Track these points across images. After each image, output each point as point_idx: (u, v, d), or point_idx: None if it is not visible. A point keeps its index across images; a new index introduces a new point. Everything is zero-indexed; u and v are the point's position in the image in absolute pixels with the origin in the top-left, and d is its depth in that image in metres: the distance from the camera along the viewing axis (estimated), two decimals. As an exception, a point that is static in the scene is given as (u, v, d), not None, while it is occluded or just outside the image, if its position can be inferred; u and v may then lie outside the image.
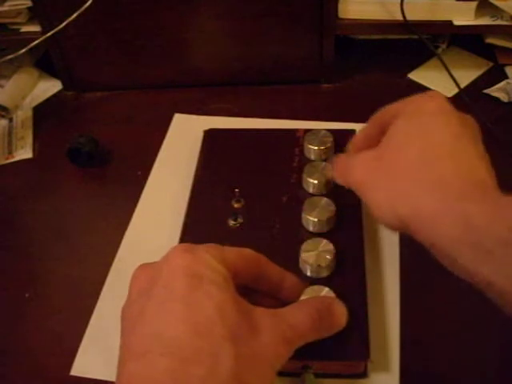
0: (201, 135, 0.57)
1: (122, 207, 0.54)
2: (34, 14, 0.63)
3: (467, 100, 0.61)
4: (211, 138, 0.56)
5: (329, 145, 0.52)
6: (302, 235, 0.46)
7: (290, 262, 0.43)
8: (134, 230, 0.52)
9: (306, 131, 0.54)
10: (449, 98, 0.62)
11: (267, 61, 0.66)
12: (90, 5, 0.57)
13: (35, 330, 0.46)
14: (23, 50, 0.59)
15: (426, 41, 0.63)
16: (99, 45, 0.64)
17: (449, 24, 0.61)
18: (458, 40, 0.70)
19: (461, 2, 0.60)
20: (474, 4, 0.60)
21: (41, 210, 0.55)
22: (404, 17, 0.61)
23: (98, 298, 0.47)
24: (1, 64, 0.63)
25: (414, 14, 0.61)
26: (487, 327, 0.44)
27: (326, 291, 0.40)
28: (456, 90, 0.63)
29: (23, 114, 0.66)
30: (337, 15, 0.62)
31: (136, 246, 0.51)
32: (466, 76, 0.66)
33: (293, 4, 0.61)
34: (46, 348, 0.45)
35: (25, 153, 0.61)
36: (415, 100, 0.42)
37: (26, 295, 0.48)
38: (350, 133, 0.48)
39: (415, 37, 0.63)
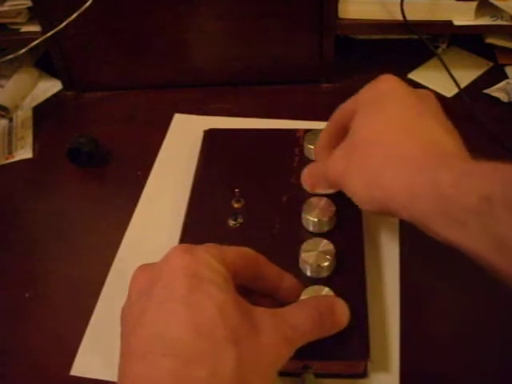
0: (201, 135, 0.57)
1: (122, 207, 0.54)
2: (33, 14, 0.63)
3: (467, 100, 0.61)
4: (211, 138, 0.56)
5: (329, 145, 0.52)
6: (302, 235, 0.46)
7: (290, 261, 0.43)
8: (134, 230, 0.52)
9: (306, 131, 0.54)
10: (449, 98, 0.63)
11: (267, 61, 0.66)
12: (90, 5, 0.57)
13: (35, 330, 0.46)
14: (23, 50, 0.59)
15: (426, 41, 0.63)
16: (99, 45, 0.64)
17: (449, 24, 0.61)
18: (458, 40, 0.70)
19: (461, 2, 0.60)
20: (473, 4, 0.60)
21: (41, 209, 0.55)
22: (404, 17, 0.61)
23: (98, 297, 0.47)
24: (1, 64, 0.63)
25: (414, 14, 0.61)
26: (487, 327, 0.44)
27: (325, 291, 0.40)
28: (456, 90, 0.63)
29: (23, 114, 0.66)
30: (337, 15, 0.62)
31: (136, 246, 0.51)
32: (466, 76, 0.66)
33: (293, 4, 0.61)
34: (46, 348, 0.45)
35: (25, 153, 0.61)
36: (368, 87, 0.43)
37: (26, 295, 0.48)
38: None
39: (415, 37, 0.63)
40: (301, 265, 0.43)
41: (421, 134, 0.38)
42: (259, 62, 0.66)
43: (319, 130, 0.52)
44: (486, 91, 0.64)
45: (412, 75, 0.67)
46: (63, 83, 0.69)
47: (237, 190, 0.49)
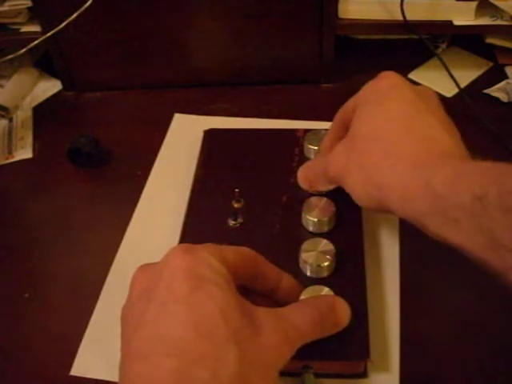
0: (201, 135, 0.57)
1: (122, 207, 0.54)
2: (34, 13, 0.63)
3: (467, 100, 0.61)
4: (211, 138, 0.56)
5: (329, 145, 0.52)
6: (302, 235, 0.46)
7: (290, 261, 0.43)
8: (134, 230, 0.52)
9: (306, 131, 0.54)
10: (449, 98, 0.63)
11: (267, 61, 0.66)
12: (90, 5, 0.57)
13: (35, 330, 0.46)
14: (23, 50, 0.59)
15: (426, 41, 0.63)
16: (99, 45, 0.64)
17: (449, 24, 0.61)
18: (458, 40, 0.70)
19: (461, 2, 0.60)
20: (473, 4, 0.60)
21: (41, 210, 0.55)
22: (404, 17, 0.61)
23: (98, 298, 0.47)
24: (1, 64, 0.63)
25: (414, 14, 0.61)
26: (487, 327, 0.44)
27: (325, 291, 0.40)
28: (456, 90, 0.63)
29: (23, 114, 0.66)
30: (337, 15, 0.62)
31: (136, 246, 0.51)
32: (466, 76, 0.66)
33: (293, 4, 0.61)
34: (45, 348, 0.45)
35: (25, 153, 0.61)
36: (370, 84, 0.43)
37: (26, 295, 0.48)
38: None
39: (415, 37, 0.63)
40: (301, 265, 0.43)
41: (419, 131, 0.38)
42: (259, 62, 0.66)
43: (319, 130, 0.53)
44: (485, 91, 0.64)
45: (412, 75, 0.67)
46: (63, 83, 0.69)
47: (237, 190, 0.49)
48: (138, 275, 0.36)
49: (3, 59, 0.61)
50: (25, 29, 0.64)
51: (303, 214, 0.46)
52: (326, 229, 0.46)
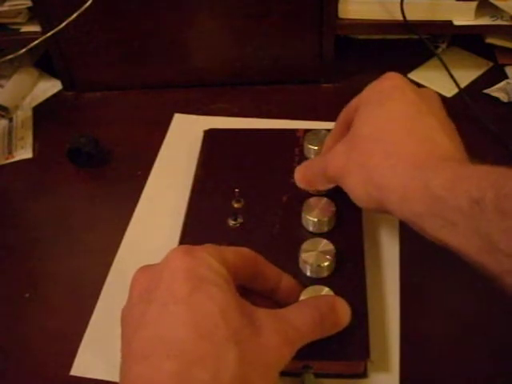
0: (201, 135, 0.57)
1: (122, 207, 0.54)
2: (34, 13, 0.63)
3: (467, 100, 0.61)
4: (211, 138, 0.56)
5: (329, 145, 0.52)
6: (302, 235, 0.46)
7: (290, 261, 0.43)
8: (134, 230, 0.52)
9: (306, 131, 0.54)
10: (449, 98, 0.63)
11: (267, 61, 0.66)
12: (90, 5, 0.57)
13: (35, 329, 0.46)
14: (23, 50, 0.59)
15: (425, 41, 0.63)
16: (99, 45, 0.64)
17: (449, 24, 0.61)
18: (458, 40, 0.70)
19: (461, 2, 0.60)
20: (473, 4, 0.60)
21: (41, 210, 0.55)
22: (404, 17, 0.61)
23: (98, 298, 0.47)
24: (1, 64, 0.63)
25: (414, 14, 0.61)
26: (487, 327, 0.44)
27: (325, 291, 0.40)
28: (456, 90, 0.63)
29: (23, 114, 0.66)
30: (337, 15, 0.62)
31: (136, 246, 0.51)
32: (466, 76, 0.66)
33: (293, 4, 0.61)
34: (45, 348, 0.45)
35: (25, 153, 0.61)
36: (373, 85, 0.43)
37: (26, 295, 0.48)
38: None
39: (415, 37, 0.63)
40: (301, 265, 0.43)
41: (420, 133, 0.38)
42: (259, 62, 0.66)
43: (319, 130, 0.53)
44: (485, 91, 0.64)
45: (412, 75, 0.67)
46: (63, 83, 0.69)
47: (237, 190, 0.49)
48: (138, 276, 0.36)
49: (3, 59, 0.61)
50: (25, 29, 0.64)
51: (303, 214, 0.46)
52: (326, 229, 0.46)
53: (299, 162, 0.52)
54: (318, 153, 0.51)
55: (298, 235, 0.46)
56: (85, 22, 0.61)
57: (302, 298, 0.40)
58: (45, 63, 0.71)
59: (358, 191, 0.40)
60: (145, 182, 0.56)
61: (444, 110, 0.42)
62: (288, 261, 0.43)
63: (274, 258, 0.40)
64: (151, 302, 0.32)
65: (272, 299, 0.40)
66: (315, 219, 0.45)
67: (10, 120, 0.65)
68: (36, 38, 0.60)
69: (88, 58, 0.66)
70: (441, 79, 0.64)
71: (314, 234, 0.46)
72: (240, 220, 0.48)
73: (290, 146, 0.54)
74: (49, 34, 0.59)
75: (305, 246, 0.44)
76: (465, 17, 0.61)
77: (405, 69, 0.67)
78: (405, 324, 0.43)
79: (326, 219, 0.45)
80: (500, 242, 0.30)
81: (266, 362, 0.32)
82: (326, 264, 0.42)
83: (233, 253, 0.37)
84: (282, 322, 0.34)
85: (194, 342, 0.30)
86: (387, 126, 0.39)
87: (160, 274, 0.34)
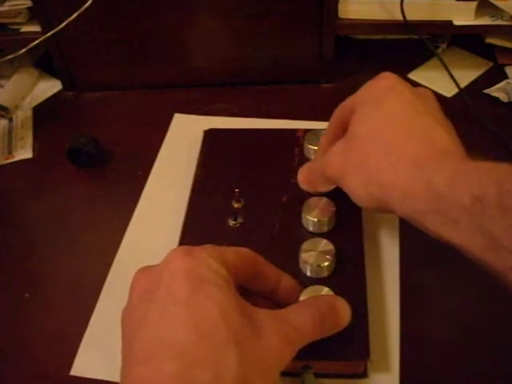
0: (201, 135, 0.57)
1: (122, 207, 0.54)
2: (34, 13, 0.63)
3: (467, 100, 0.61)
4: (211, 138, 0.56)
5: (329, 145, 0.52)
6: (302, 235, 0.46)
7: (290, 261, 0.43)
8: (134, 230, 0.52)
9: (306, 131, 0.54)
10: (449, 98, 0.63)
11: (267, 61, 0.66)
12: (90, 5, 0.57)
13: (35, 330, 0.46)
14: (23, 50, 0.59)
15: (426, 41, 0.63)
16: (99, 45, 0.64)
17: (449, 24, 0.61)
18: (458, 40, 0.70)
19: (461, 2, 0.60)
20: (473, 4, 0.60)
21: (41, 209, 0.55)
22: (404, 17, 0.61)
23: (98, 298, 0.47)
24: (1, 64, 0.63)
25: (414, 14, 0.61)
26: (487, 327, 0.44)
27: (325, 291, 0.40)
28: (456, 90, 0.63)
29: (23, 114, 0.66)
30: (337, 15, 0.62)
31: (136, 246, 0.51)
32: (466, 76, 0.66)
33: (293, 4, 0.61)
34: (45, 348, 0.45)
35: (25, 153, 0.61)
36: (368, 85, 0.43)
37: (26, 295, 0.48)
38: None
39: (415, 37, 0.63)
40: (301, 265, 0.43)
41: (419, 132, 0.39)
42: (259, 62, 0.66)
43: (319, 130, 0.53)
44: (486, 91, 0.64)
45: (412, 75, 0.67)
46: (63, 83, 0.69)
47: (237, 190, 0.49)
48: (138, 277, 0.36)
49: (3, 59, 0.61)
50: (25, 29, 0.64)
51: (303, 214, 0.46)
52: (326, 229, 0.46)
53: (299, 162, 0.52)
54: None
55: (298, 235, 0.46)
56: (85, 22, 0.61)
57: (301, 298, 0.40)
58: (45, 63, 0.71)
59: (358, 191, 0.40)
60: (145, 182, 0.56)
61: (440, 108, 0.42)
62: (288, 261, 0.43)
63: (274, 258, 0.40)
64: (151, 303, 0.32)
65: (272, 299, 0.40)
66: (315, 219, 0.45)
67: (10, 120, 0.65)
68: (36, 38, 0.60)
69: (88, 57, 0.66)
70: (441, 79, 0.64)
71: (314, 234, 0.46)
72: (240, 220, 0.48)
73: (290, 146, 0.54)
74: (49, 34, 0.59)
75: (305, 245, 0.44)
76: (465, 17, 0.61)
77: (405, 69, 0.67)
78: (405, 324, 0.43)
79: (326, 219, 0.45)
80: (503, 239, 0.30)
81: (267, 363, 0.32)
82: (325, 264, 0.42)
83: (233, 253, 0.37)
84: (282, 323, 0.34)
85: (194, 343, 0.30)
86: (385, 127, 0.39)
87: (160, 275, 0.34)
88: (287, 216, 0.48)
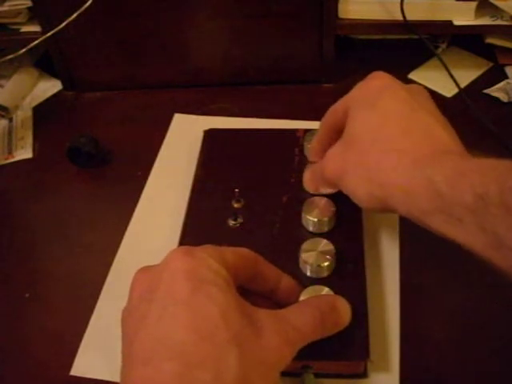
0: (201, 135, 0.57)
1: (122, 207, 0.54)
2: (34, 13, 0.63)
3: (467, 100, 0.61)
4: (211, 138, 0.56)
5: (329, 145, 0.52)
6: (302, 235, 0.46)
7: (290, 261, 0.43)
8: (134, 230, 0.52)
9: (306, 131, 0.54)
10: (449, 98, 0.63)
11: (267, 61, 0.66)
12: (90, 5, 0.57)
13: (35, 329, 0.46)
14: (23, 50, 0.59)
15: (426, 41, 0.63)
16: (99, 45, 0.64)
17: (449, 24, 0.61)
18: (458, 40, 0.70)
19: (461, 2, 0.60)
20: (473, 4, 0.60)
21: (41, 209, 0.55)
22: (404, 17, 0.61)
23: (98, 297, 0.47)
24: (1, 64, 0.63)
25: (414, 14, 0.61)
26: (487, 327, 0.44)
27: (325, 291, 0.40)
28: (456, 90, 0.63)
29: (23, 114, 0.66)
30: (337, 15, 0.62)
31: (136, 246, 0.51)
32: (466, 76, 0.66)
33: (293, 4, 0.61)
34: (45, 348, 0.45)
35: (25, 153, 0.61)
36: (360, 85, 0.43)
37: (26, 295, 0.48)
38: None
39: (415, 37, 0.63)
40: (301, 265, 0.43)
41: (417, 130, 0.38)
42: (259, 62, 0.66)
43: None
44: (485, 91, 0.64)
45: (412, 75, 0.67)
46: (63, 83, 0.69)
47: (237, 190, 0.49)
48: (138, 277, 0.36)
49: (3, 59, 0.61)
50: (25, 29, 0.64)
51: (303, 214, 0.46)
52: (326, 229, 0.46)
53: (299, 162, 0.52)
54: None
55: (298, 235, 0.46)
56: (85, 22, 0.61)
57: (301, 298, 0.40)
58: (45, 63, 0.71)
59: (358, 191, 0.40)
60: (145, 182, 0.56)
61: (434, 103, 0.41)
62: (288, 261, 0.43)
63: (274, 258, 0.40)
64: (151, 304, 0.32)
65: (272, 299, 0.40)
66: (315, 219, 0.45)
67: (10, 120, 0.65)
68: (36, 38, 0.60)
69: (88, 58, 0.66)
70: (441, 79, 0.64)
71: (313, 234, 0.46)
72: (240, 220, 0.48)
73: (290, 146, 0.54)
74: (49, 34, 0.59)
75: (305, 245, 0.44)
76: (465, 17, 0.61)
77: (405, 69, 0.67)
78: (405, 324, 0.43)
79: (326, 219, 0.45)
80: (506, 237, 0.30)
81: (267, 363, 0.32)
82: (325, 264, 0.42)
83: (232, 253, 0.37)
84: (282, 323, 0.34)
85: (194, 343, 0.30)
86: (382, 126, 0.39)
87: (160, 275, 0.34)
88: (287, 216, 0.48)
